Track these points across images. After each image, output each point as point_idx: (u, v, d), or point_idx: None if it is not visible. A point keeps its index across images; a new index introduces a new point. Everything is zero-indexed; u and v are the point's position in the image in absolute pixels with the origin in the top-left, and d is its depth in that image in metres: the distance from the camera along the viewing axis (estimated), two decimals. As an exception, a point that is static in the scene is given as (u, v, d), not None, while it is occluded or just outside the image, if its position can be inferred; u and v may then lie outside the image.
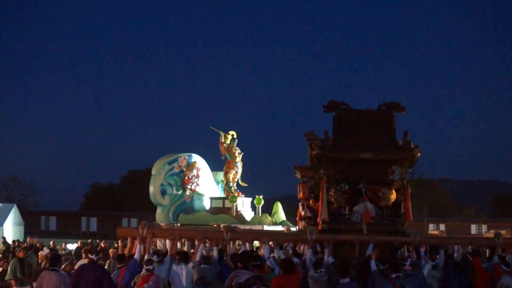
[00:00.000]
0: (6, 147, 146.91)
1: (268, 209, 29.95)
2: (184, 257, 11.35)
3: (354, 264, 11.09)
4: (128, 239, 13.24)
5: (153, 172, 29.38)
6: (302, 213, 19.39)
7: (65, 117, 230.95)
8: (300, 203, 19.81)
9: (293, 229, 20.05)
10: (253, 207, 29.85)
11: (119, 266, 11.73)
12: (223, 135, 29.60)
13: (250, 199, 29.92)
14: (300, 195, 19.63)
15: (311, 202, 18.92)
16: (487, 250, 12.64)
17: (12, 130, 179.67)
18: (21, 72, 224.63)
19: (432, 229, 57.90)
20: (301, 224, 19.41)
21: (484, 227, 57.29)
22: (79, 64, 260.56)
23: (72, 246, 26.83)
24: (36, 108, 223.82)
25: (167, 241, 12.68)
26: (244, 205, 29.61)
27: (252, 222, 27.84)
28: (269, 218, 28.20)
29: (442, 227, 58.79)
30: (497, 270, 11.21)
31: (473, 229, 55.79)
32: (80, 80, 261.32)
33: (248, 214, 29.25)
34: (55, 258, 10.92)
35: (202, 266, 10.93)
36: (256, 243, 15.72)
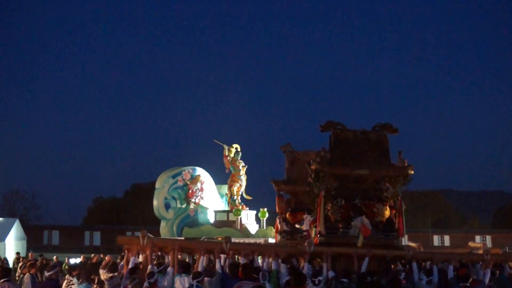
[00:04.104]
0: (8, 160, 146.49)
1: (272, 222, 29.83)
2: (185, 268, 11.34)
3: (353, 278, 11.15)
4: (125, 251, 13.15)
5: (157, 185, 29.36)
6: (279, 226, 19.25)
7: (67, 130, 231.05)
8: (277, 217, 19.68)
9: (272, 240, 20.01)
10: (258, 220, 29.76)
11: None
12: (227, 148, 29.57)
13: (255, 212, 29.84)
14: (277, 208, 19.56)
15: (287, 215, 18.83)
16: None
17: (14, 144, 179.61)
18: (22, 85, 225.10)
19: (436, 241, 57.83)
20: (278, 238, 19.29)
21: (488, 238, 57.10)
22: (79, 77, 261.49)
23: (75, 261, 26.66)
24: (38, 121, 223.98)
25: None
26: (248, 218, 29.54)
27: (257, 235, 27.75)
28: (274, 231, 28.10)
29: (446, 238, 58.67)
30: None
31: (477, 240, 55.53)
32: (82, 94, 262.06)
33: (253, 227, 29.16)
34: (6, 270, 11.24)
35: (205, 278, 10.90)
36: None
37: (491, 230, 63.36)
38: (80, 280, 12.11)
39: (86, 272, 13.35)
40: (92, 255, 26.50)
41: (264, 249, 12.54)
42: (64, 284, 11.96)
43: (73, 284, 12.06)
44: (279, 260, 11.91)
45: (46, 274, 11.85)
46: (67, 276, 13.46)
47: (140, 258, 12.49)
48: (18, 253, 29.51)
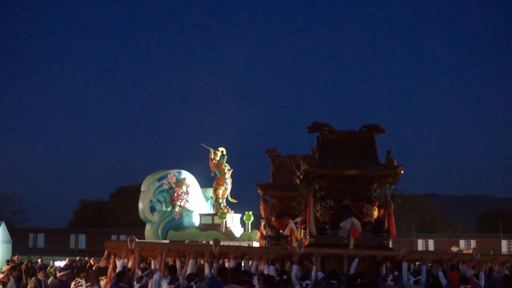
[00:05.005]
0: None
1: (257, 225, 29.95)
2: (172, 271, 11.35)
3: (343, 279, 11.09)
4: (112, 255, 13.10)
5: (143, 188, 29.37)
6: (264, 231, 19.07)
7: (53, 133, 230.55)
8: (262, 221, 19.56)
9: (256, 244, 19.90)
10: (243, 224, 29.87)
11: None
12: (212, 151, 29.66)
13: (240, 215, 29.93)
14: (262, 213, 19.44)
15: (273, 220, 18.68)
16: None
17: (0, 148, 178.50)
18: (8, 90, 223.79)
19: (420, 245, 58.13)
20: (263, 243, 19.10)
21: (473, 242, 57.41)
22: (66, 81, 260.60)
23: (60, 264, 26.60)
24: (25, 125, 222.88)
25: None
26: (233, 222, 29.63)
27: (242, 238, 27.85)
28: (259, 234, 28.21)
29: (430, 242, 59.00)
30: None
31: (462, 244, 55.87)
32: (69, 97, 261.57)
33: (238, 231, 29.26)
34: None
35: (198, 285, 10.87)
36: None
37: (476, 235, 63.71)
38: (90, 283, 12.13)
39: (95, 274, 13.39)
40: (77, 258, 26.51)
41: (254, 252, 12.40)
42: (72, 286, 11.97)
43: (81, 285, 12.06)
44: (269, 263, 11.75)
45: (58, 275, 11.93)
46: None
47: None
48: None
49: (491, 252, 39.66)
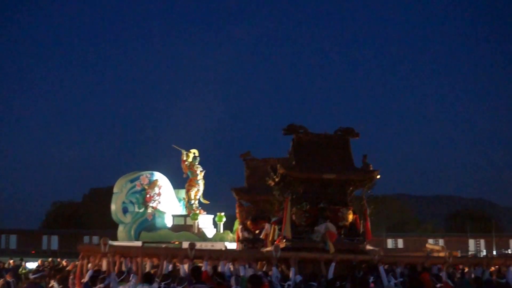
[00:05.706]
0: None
1: (229, 226, 30.35)
2: (149, 279, 10.98)
3: (322, 281, 11.12)
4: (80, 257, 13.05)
5: (115, 190, 29.54)
6: (241, 235, 19.04)
7: (25, 134, 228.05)
8: (238, 224, 19.67)
9: (231, 245, 19.93)
10: (215, 224, 30.23)
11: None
12: (185, 153, 29.98)
13: (212, 216, 30.26)
14: (238, 217, 19.57)
15: (248, 223, 18.78)
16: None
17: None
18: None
19: (390, 245, 58.95)
20: (240, 246, 19.00)
21: (441, 242, 58.33)
22: (36, 83, 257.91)
23: (32, 265, 26.72)
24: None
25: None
26: (205, 222, 29.98)
27: (214, 239, 28.22)
28: (231, 235, 28.51)
29: (400, 242, 59.86)
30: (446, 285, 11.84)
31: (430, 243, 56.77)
32: (40, 99, 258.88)
33: (210, 231, 29.60)
34: None
35: (171, 286, 10.93)
36: None
37: (444, 234, 64.73)
38: (62, 286, 12.30)
39: (66, 276, 13.51)
40: (50, 259, 26.59)
41: (229, 255, 12.17)
42: None
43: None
44: (247, 265, 11.67)
45: (31, 277, 12.02)
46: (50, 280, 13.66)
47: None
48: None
49: (459, 251, 40.66)
